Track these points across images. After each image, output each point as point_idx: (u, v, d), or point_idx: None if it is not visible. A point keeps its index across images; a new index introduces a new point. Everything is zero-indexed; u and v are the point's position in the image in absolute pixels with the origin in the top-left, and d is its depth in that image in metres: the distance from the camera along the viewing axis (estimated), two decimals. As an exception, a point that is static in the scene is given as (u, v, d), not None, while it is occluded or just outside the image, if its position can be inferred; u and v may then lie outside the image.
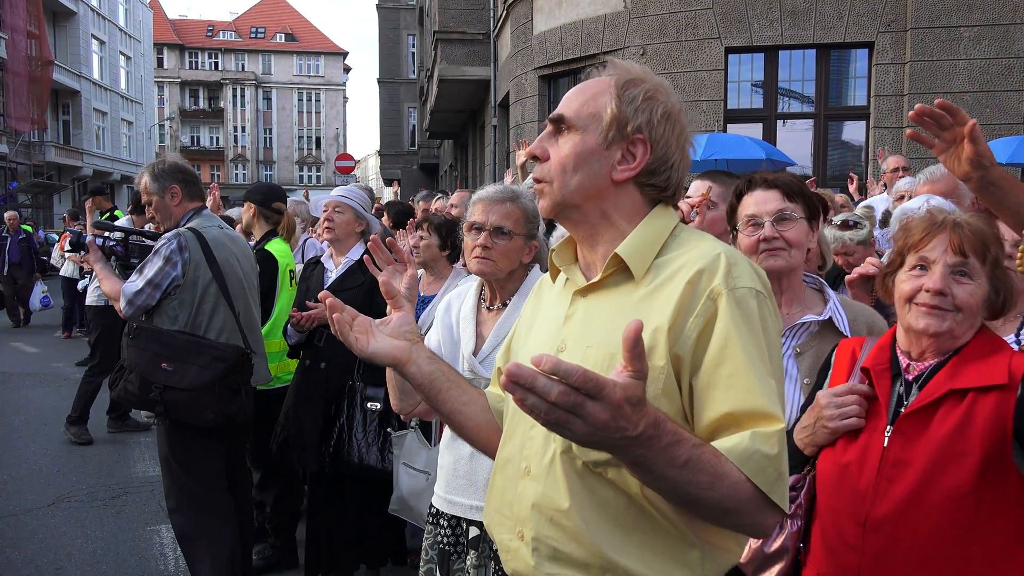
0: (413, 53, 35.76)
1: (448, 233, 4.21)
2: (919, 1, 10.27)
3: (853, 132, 11.33)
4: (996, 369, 1.72)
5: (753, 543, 1.97)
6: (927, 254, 1.80)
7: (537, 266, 2.62)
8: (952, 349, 1.80)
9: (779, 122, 11.39)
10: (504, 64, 15.94)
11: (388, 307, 1.75)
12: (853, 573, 1.76)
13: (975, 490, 1.65)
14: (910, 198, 3.87)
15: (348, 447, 3.81)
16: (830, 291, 2.37)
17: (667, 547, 1.36)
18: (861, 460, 1.79)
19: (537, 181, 1.49)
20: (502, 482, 1.55)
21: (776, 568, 1.96)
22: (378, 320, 1.60)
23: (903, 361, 1.86)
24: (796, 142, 11.29)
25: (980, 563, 1.67)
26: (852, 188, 7.22)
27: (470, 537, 2.39)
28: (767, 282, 1.41)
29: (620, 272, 1.44)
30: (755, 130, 11.02)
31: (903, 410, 1.78)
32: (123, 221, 8.01)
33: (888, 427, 1.78)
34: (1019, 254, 1.47)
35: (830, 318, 2.27)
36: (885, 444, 1.77)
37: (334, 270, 4.17)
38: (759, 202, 2.31)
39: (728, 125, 11.11)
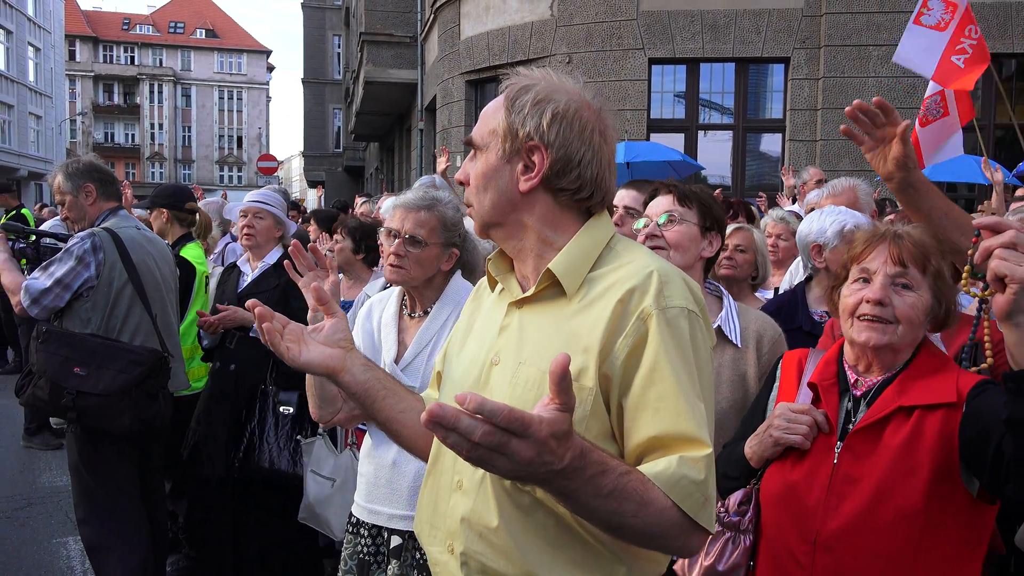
0: (339, 54, 35.29)
1: (362, 237, 4.20)
2: (832, 20, 10.70)
3: (770, 144, 11.71)
4: (944, 387, 1.73)
5: (705, 560, 1.95)
6: (868, 265, 1.82)
7: (459, 273, 2.61)
8: (895, 363, 1.82)
9: (700, 133, 11.69)
10: (431, 68, 15.89)
11: (310, 312, 1.73)
12: None
13: (925, 508, 1.66)
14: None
15: (259, 452, 3.72)
16: (729, 300, 2.42)
17: (595, 564, 1.36)
18: (810, 477, 1.79)
19: (468, 205, 1.51)
20: (434, 494, 1.53)
21: None
22: (310, 327, 1.54)
23: (851, 376, 1.87)
24: (716, 152, 11.62)
25: None
26: (763, 205, 7.46)
27: (391, 547, 2.36)
28: (701, 298, 1.40)
29: (554, 286, 1.43)
30: (677, 140, 11.29)
31: (852, 427, 1.79)
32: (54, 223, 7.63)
33: (838, 443, 1.79)
34: (964, 274, 1.53)
35: (720, 326, 2.33)
36: (835, 460, 1.77)
37: (250, 274, 4.11)
38: (653, 205, 2.41)
39: (651, 134, 11.35)
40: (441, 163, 6.68)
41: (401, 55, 17.86)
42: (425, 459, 1.64)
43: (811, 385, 1.90)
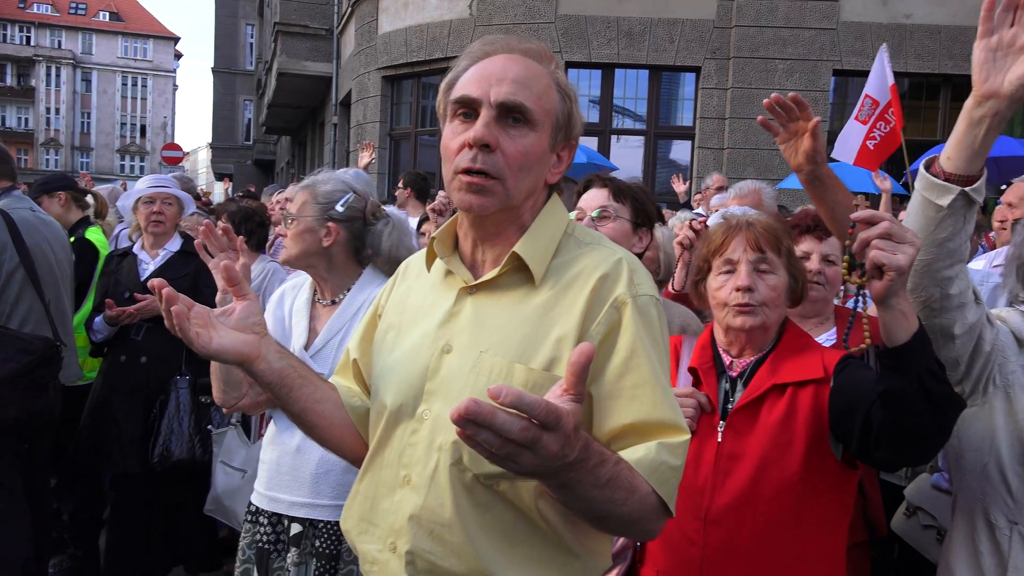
0: (252, 44, 34.40)
1: (242, 220, 4.24)
2: (740, 33, 11.07)
3: (680, 151, 12.02)
4: (811, 364, 1.87)
5: None
6: (730, 255, 1.94)
7: (370, 267, 2.55)
8: (765, 343, 1.94)
9: (614, 137, 11.91)
10: (347, 62, 15.67)
11: (219, 294, 1.67)
12: (695, 567, 1.82)
13: (802, 477, 1.78)
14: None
15: (176, 445, 3.65)
16: None
17: (552, 559, 1.35)
18: (697, 456, 1.87)
19: (478, 173, 1.33)
20: (372, 489, 1.46)
21: (617, 569, 2.00)
22: (218, 310, 1.41)
23: (725, 359, 1.98)
24: (628, 158, 11.84)
25: (807, 545, 1.80)
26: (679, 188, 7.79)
27: (291, 534, 2.31)
28: (657, 289, 1.44)
29: (515, 271, 1.38)
30: (591, 144, 11.46)
31: (731, 406, 1.89)
32: None
33: (720, 423, 1.88)
34: (843, 263, 1.62)
35: None
36: (719, 439, 1.87)
37: (151, 262, 3.99)
38: (587, 199, 2.45)
39: (566, 137, 11.47)
40: (364, 158, 6.59)
41: (316, 47, 17.55)
42: (342, 453, 1.58)
43: (691, 370, 2.00)
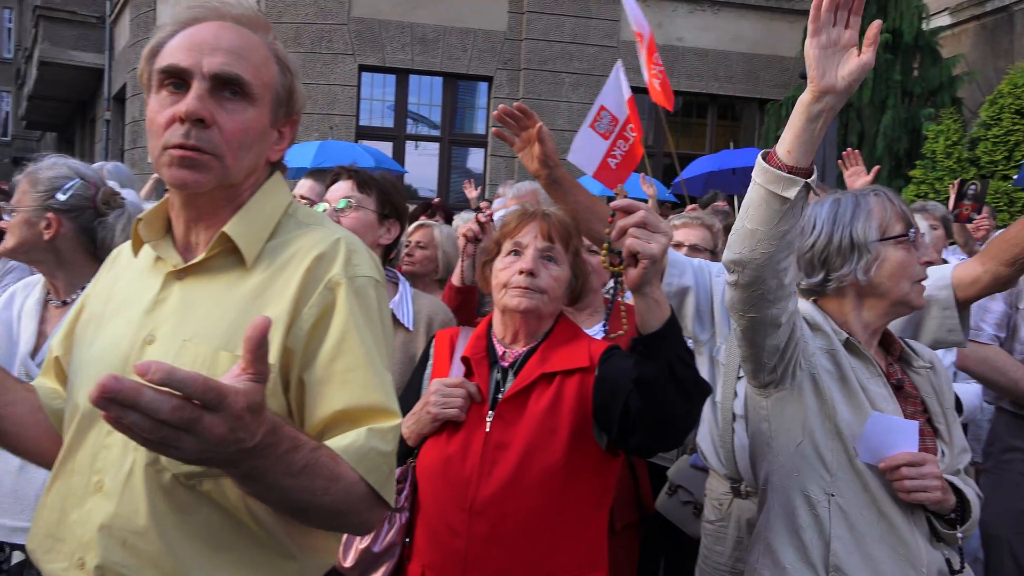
0: (10, 29, 31.03)
1: None
2: (530, 45, 11.44)
3: (474, 158, 12.21)
4: (578, 354, 1.91)
5: (360, 544, 1.95)
6: (521, 239, 1.95)
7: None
8: (539, 332, 1.97)
9: (408, 143, 11.88)
10: (121, 53, 14.50)
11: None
12: (460, 558, 1.80)
13: (566, 464, 1.81)
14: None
15: None
16: (406, 286, 2.47)
17: (263, 562, 1.25)
18: (465, 447, 1.86)
19: (192, 149, 1.23)
20: (60, 500, 1.31)
21: (384, 567, 1.95)
22: None
23: (499, 349, 1.99)
24: (423, 164, 11.86)
25: (570, 530, 1.83)
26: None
27: (13, 563, 2.07)
28: (383, 271, 1.38)
29: (227, 254, 1.29)
30: (386, 148, 11.35)
31: (501, 396, 1.90)
32: None
33: (490, 412, 1.88)
34: (603, 252, 1.66)
35: (392, 310, 2.36)
36: (488, 429, 1.86)
37: None
38: (332, 190, 2.41)
39: (360, 142, 11.30)
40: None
41: (85, 36, 16.11)
42: (40, 461, 1.41)
43: (464, 359, 1.99)
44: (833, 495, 1.79)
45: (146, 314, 1.30)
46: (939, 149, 9.47)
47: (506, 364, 1.96)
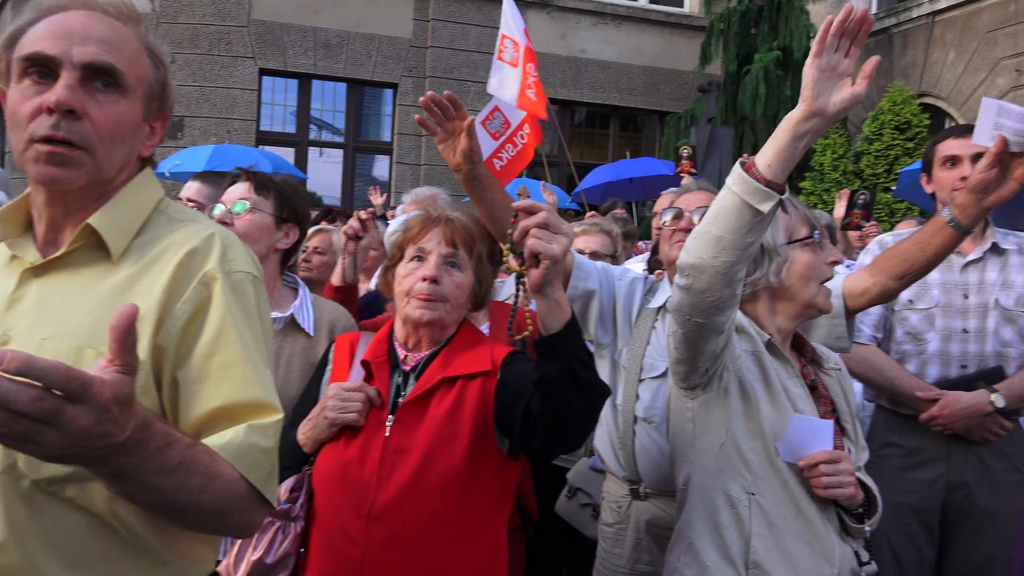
0: None
1: None
2: (436, 53, 11.42)
3: (379, 166, 12.09)
4: (480, 358, 1.90)
5: (252, 555, 1.88)
6: (424, 245, 1.92)
7: None
8: (442, 338, 1.95)
9: (312, 149, 11.66)
10: None
11: None
12: (355, 566, 1.77)
13: (466, 468, 1.79)
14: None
15: None
16: (305, 291, 2.42)
17: (132, 570, 1.20)
18: (363, 452, 1.83)
19: (62, 142, 1.17)
20: None
21: None
22: None
23: (400, 353, 1.96)
24: (327, 172, 11.67)
25: (470, 534, 1.81)
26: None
27: None
28: (260, 267, 1.35)
29: (90, 248, 1.24)
30: (288, 154, 11.12)
31: (402, 400, 1.87)
32: None
33: (390, 417, 1.85)
34: (505, 252, 1.65)
35: (293, 315, 2.32)
36: (387, 434, 1.83)
37: None
38: (230, 191, 2.34)
39: (261, 147, 11.03)
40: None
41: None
42: None
43: (364, 363, 1.96)
44: (754, 494, 1.84)
45: (1, 314, 1.22)
46: (826, 162, 9.95)
47: (407, 368, 1.94)
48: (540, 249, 1.51)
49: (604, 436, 2.51)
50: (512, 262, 1.62)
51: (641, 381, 2.40)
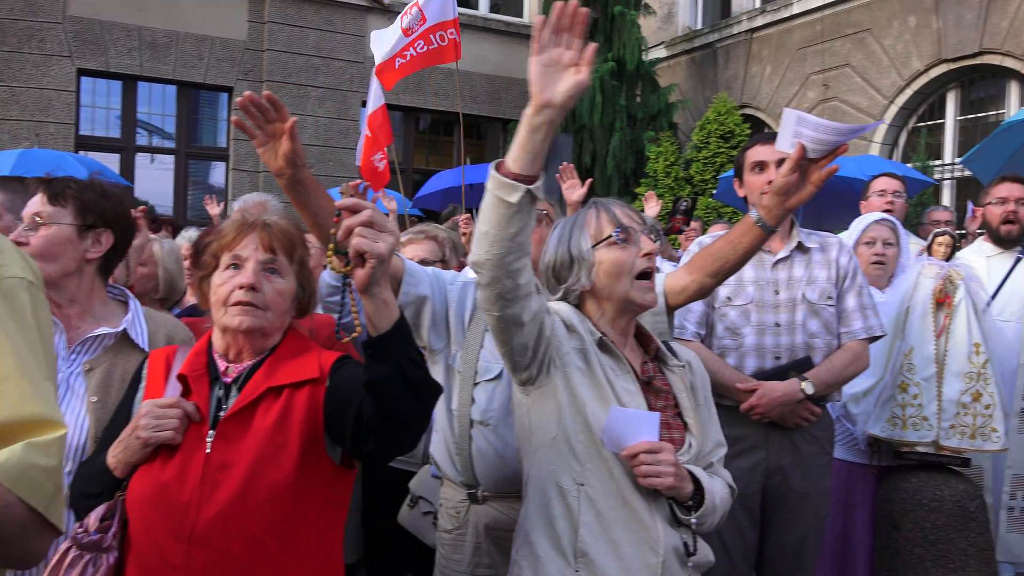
0: None
1: None
2: (273, 57, 11.07)
3: (215, 172, 11.57)
4: (308, 365, 1.83)
5: None
6: (240, 252, 1.83)
7: None
8: (265, 348, 1.87)
9: (140, 155, 10.99)
10: None
11: None
12: None
13: (295, 481, 1.72)
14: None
15: None
16: (136, 303, 2.25)
17: None
18: (182, 471, 1.72)
19: None
20: None
21: None
22: None
23: (221, 365, 1.86)
24: (158, 179, 11.05)
25: (302, 548, 1.74)
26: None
27: None
28: (39, 273, 1.24)
29: None
30: (112, 160, 10.43)
31: (223, 413, 1.78)
32: None
33: (210, 432, 1.75)
34: (328, 254, 1.60)
35: (125, 330, 2.15)
36: (208, 450, 1.73)
37: None
38: (28, 205, 2.14)
39: (81, 153, 10.28)
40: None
41: None
42: None
43: (180, 377, 1.85)
44: (583, 484, 1.89)
45: None
46: (660, 169, 10.44)
47: (229, 380, 1.85)
48: (365, 248, 1.48)
49: (440, 442, 2.50)
50: (336, 262, 1.57)
51: (476, 384, 2.41)
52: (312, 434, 1.78)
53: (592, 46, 1.68)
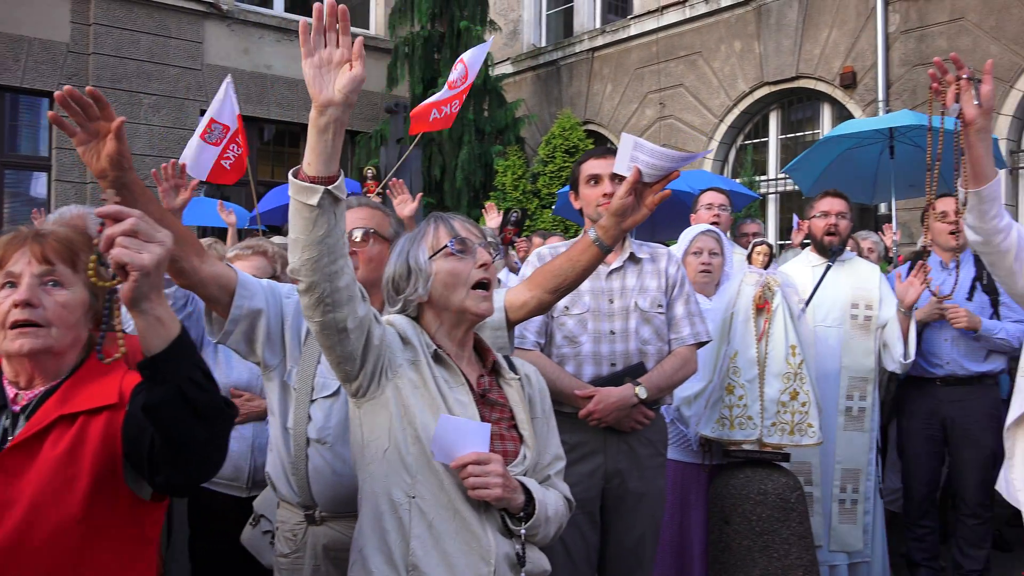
0: None
1: None
2: (100, 61, 10.41)
3: (36, 184, 10.71)
4: (107, 389, 1.69)
5: None
6: (12, 268, 1.68)
7: None
8: (60, 370, 1.72)
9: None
10: None
11: None
12: None
13: (85, 517, 1.58)
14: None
15: None
16: None
17: None
18: None
19: None
20: None
21: None
22: None
23: (10, 392, 1.71)
24: (-32, 189, 10.12)
25: None
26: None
27: None
28: None
29: None
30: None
31: (7, 445, 1.62)
32: None
33: None
34: (89, 266, 1.49)
35: None
36: None
37: None
38: None
39: None
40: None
41: None
42: None
43: None
44: (414, 497, 1.87)
45: None
46: (508, 182, 10.61)
47: (17, 408, 1.69)
48: (126, 259, 1.38)
49: (276, 461, 2.41)
50: (104, 274, 1.46)
51: (313, 401, 2.35)
52: (108, 465, 1.64)
53: (359, 40, 1.73)
